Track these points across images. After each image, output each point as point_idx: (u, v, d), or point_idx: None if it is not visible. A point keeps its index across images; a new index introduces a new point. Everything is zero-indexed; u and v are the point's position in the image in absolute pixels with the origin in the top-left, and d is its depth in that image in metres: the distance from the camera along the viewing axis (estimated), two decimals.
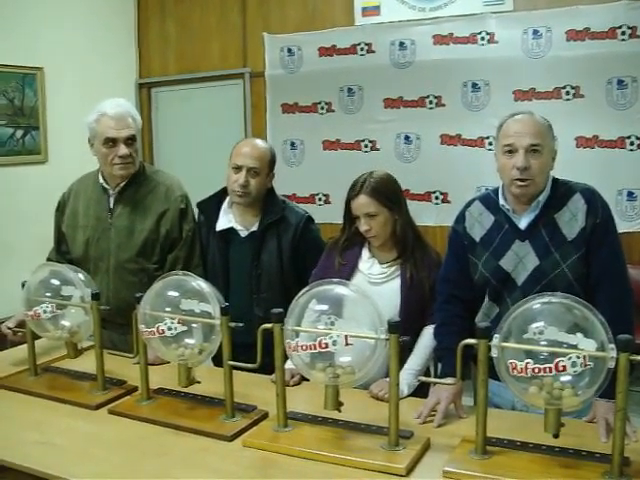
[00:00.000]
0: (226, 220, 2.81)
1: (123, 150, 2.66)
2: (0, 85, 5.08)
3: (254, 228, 2.78)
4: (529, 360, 1.65)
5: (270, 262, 2.75)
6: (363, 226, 2.46)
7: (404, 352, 2.10)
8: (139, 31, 6.35)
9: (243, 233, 2.80)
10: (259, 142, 2.83)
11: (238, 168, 2.70)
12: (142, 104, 6.36)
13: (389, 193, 2.48)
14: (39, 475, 1.81)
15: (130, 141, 2.68)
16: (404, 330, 1.81)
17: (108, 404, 2.22)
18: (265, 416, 2.08)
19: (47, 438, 1.98)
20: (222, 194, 2.86)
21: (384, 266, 2.52)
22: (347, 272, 2.50)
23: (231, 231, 2.80)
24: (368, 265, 2.53)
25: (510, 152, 2.14)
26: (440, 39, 5.16)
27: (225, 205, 2.83)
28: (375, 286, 2.46)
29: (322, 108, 5.66)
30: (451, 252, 2.38)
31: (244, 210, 2.79)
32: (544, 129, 2.16)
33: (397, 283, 2.49)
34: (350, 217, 2.53)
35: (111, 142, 2.67)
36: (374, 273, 2.52)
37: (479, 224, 2.30)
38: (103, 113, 2.67)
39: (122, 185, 2.76)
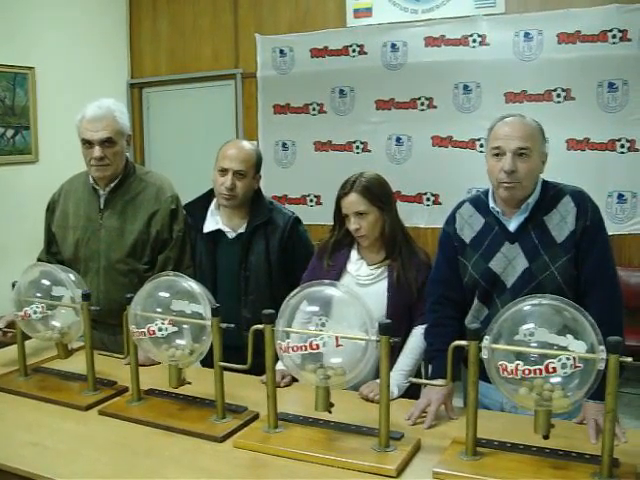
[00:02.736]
0: (213, 222, 2.80)
1: (97, 152, 2.64)
2: None
3: (241, 230, 2.77)
4: (519, 362, 1.65)
5: (258, 264, 2.75)
6: (353, 225, 2.47)
7: (393, 353, 2.10)
8: (131, 31, 6.34)
9: (230, 235, 2.79)
10: (245, 144, 2.82)
11: (224, 171, 2.69)
12: (133, 104, 6.35)
13: (380, 193, 2.49)
14: (29, 476, 1.80)
15: (107, 143, 2.66)
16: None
17: (98, 405, 2.21)
18: (256, 417, 2.08)
19: (37, 439, 1.98)
20: (209, 196, 2.85)
21: (372, 267, 2.52)
22: (335, 274, 2.50)
23: (218, 233, 2.80)
24: (356, 267, 2.53)
25: (498, 155, 2.15)
26: (432, 41, 5.19)
27: (212, 207, 2.83)
28: (363, 288, 2.46)
29: (314, 109, 5.67)
30: (442, 253, 2.38)
31: (231, 212, 2.79)
32: (534, 132, 2.16)
33: (384, 285, 2.49)
34: (340, 217, 2.54)
35: (87, 144, 2.67)
36: (362, 275, 2.52)
37: (469, 226, 2.30)
38: (84, 114, 2.67)
39: (112, 186, 2.75)
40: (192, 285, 2.08)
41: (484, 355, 1.72)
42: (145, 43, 6.32)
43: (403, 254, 2.50)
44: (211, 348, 2.03)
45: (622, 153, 4.70)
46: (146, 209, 2.75)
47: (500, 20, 4.96)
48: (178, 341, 2.06)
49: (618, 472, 1.65)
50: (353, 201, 2.46)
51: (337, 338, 1.81)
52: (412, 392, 2.33)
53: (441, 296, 2.34)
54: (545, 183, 2.23)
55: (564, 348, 1.62)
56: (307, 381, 1.92)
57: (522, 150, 2.11)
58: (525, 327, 1.67)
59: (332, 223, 2.60)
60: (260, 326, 1.92)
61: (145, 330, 2.05)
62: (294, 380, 2.35)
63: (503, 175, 2.12)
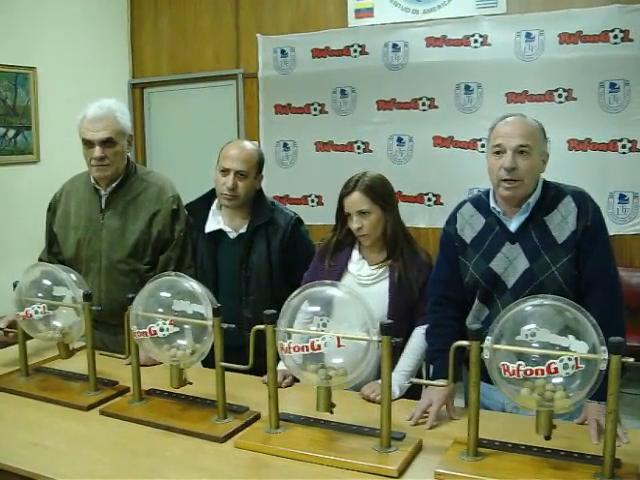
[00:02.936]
0: (215, 222, 2.80)
1: (97, 152, 2.64)
2: None
3: (243, 230, 2.77)
4: (521, 362, 1.65)
5: (259, 264, 2.74)
6: (355, 224, 2.46)
7: (395, 354, 2.10)
8: (132, 31, 6.34)
9: (232, 235, 2.79)
10: (247, 144, 2.82)
11: (226, 171, 2.69)
12: (135, 104, 6.35)
13: (382, 192, 2.49)
14: (30, 476, 1.80)
15: (107, 143, 2.65)
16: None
17: (100, 405, 2.21)
18: (257, 417, 2.08)
19: (38, 439, 1.98)
20: (211, 196, 2.85)
21: (373, 267, 2.52)
22: (336, 274, 2.50)
23: (220, 233, 2.79)
24: (358, 267, 2.53)
25: (498, 153, 2.15)
26: (433, 41, 5.18)
27: (214, 207, 2.83)
28: (364, 287, 2.46)
29: (315, 109, 5.67)
30: (442, 254, 2.38)
31: (233, 212, 2.79)
32: (535, 131, 2.16)
33: (386, 285, 2.49)
34: (342, 216, 2.54)
35: (88, 144, 2.66)
36: (363, 275, 2.52)
37: (470, 226, 2.30)
38: (85, 114, 2.67)
39: (113, 186, 2.75)
40: (193, 285, 2.08)
41: (485, 356, 1.72)
42: (146, 43, 6.32)
43: (405, 254, 2.50)
44: (212, 348, 2.03)
45: (623, 153, 4.69)
46: (147, 209, 2.75)
47: (501, 20, 4.96)
48: (179, 341, 2.06)
49: (620, 472, 1.65)
50: (356, 200, 2.46)
51: (338, 338, 1.81)
52: (413, 392, 2.33)
53: (442, 296, 2.34)
54: (546, 183, 2.22)
55: (566, 349, 1.62)
56: (308, 381, 1.92)
57: (522, 148, 2.11)
58: (527, 327, 1.67)
59: (333, 223, 2.60)
60: (261, 326, 1.92)
61: (146, 330, 2.05)
62: (295, 380, 2.35)
63: (503, 172, 2.12)
